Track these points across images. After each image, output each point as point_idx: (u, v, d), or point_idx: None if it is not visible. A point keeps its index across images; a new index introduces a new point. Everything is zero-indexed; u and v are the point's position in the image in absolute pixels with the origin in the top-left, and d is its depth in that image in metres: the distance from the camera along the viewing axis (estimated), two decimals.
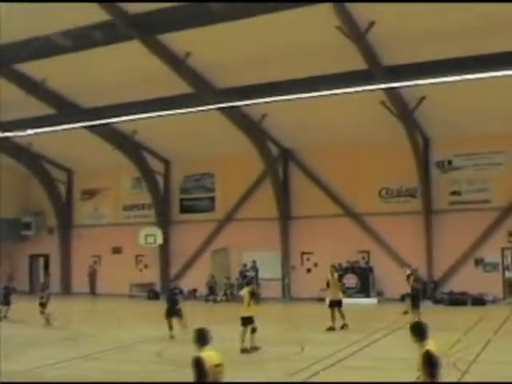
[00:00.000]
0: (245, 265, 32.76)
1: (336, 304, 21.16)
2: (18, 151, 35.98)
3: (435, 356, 7.28)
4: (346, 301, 27.20)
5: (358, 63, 23.00)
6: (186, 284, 32.64)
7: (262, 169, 32.56)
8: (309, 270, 31.82)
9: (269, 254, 32.39)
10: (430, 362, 7.27)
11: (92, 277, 37.50)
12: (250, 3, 21.20)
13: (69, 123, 28.33)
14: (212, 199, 35.07)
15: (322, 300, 28.02)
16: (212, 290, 32.73)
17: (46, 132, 28.77)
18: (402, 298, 26.01)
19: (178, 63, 24.69)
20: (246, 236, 32.73)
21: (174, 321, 19.65)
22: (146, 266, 36.08)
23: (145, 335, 20.10)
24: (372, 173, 30.46)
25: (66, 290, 38.25)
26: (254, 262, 32.21)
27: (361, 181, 30.76)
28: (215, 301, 31.46)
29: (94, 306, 33.68)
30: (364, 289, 29.90)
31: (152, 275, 35.07)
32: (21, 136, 30.52)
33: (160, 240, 34.37)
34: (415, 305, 21.54)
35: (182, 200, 35.90)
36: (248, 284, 18.62)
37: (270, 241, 32.49)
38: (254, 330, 17.07)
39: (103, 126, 29.64)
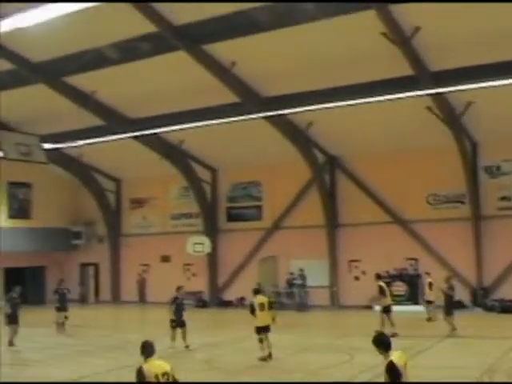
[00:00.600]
0: (292, 273, 32.68)
1: (385, 311, 21.35)
2: (68, 162, 36.72)
3: (397, 366, 7.47)
4: (394, 308, 27.28)
5: (404, 69, 22.83)
6: (233, 292, 33.33)
7: (308, 176, 32.45)
8: (357, 278, 31.56)
9: (316, 262, 32.29)
10: (392, 372, 7.45)
11: (141, 285, 37.85)
12: (293, 12, 21.18)
13: (117, 134, 29.16)
14: (259, 207, 35.11)
15: (369, 308, 28.20)
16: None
17: (96, 143, 29.79)
18: (429, 303, 25.88)
19: (223, 73, 24.81)
20: (293, 244, 32.66)
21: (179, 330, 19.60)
22: (194, 275, 36.26)
23: (194, 343, 20.13)
24: (420, 179, 30.13)
25: (116, 298, 38.71)
26: (302, 270, 32.08)
27: (408, 187, 30.46)
28: None
29: (143, 314, 34.01)
30: (412, 296, 29.59)
31: (200, 283, 35.23)
32: (71, 147, 31.59)
33: (208, 248, 34.44)
34: (449, 312, 21.34)
35: (229, 208, 36.01)
36: (257, 293, 17.97)
37: (318, 249, 32.36)
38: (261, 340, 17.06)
39: (151, 135, 29.99)
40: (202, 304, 34.10)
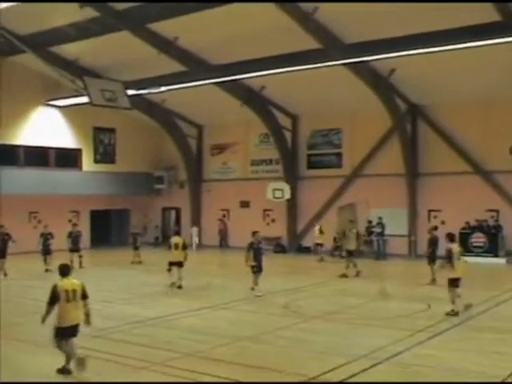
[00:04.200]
0: (370, 221, 32.68)
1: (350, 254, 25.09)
2: (151, 108, 37.04)
3: None
4: (473, 260, 27.27)
5: (491, 15, 22.04)
6: (312, 239, 33.19)
7: (389, 125, 32.00)
8: (435, 228, 31.26)
9: (395, 211, 32.21)
10: None
11: (223, 232, 38.33)
12: None
13: (199, 80, 29.31)
14: (339, 155, 35.00)
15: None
16: (338, 245, 32.68)
17: (178, 89, 29.92)
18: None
19: (305, 18, 24.41)
20: (372, 192, 32.46)
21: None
22: (273, 220, 36.56)
23: (273, 287, 20.52)
24: (503, 129, 29.34)
25: (199, 241, 38.99)
26: (380, 218, 32.03)
27: (491, 138, 29.78)
28: (341, 256, 31.21)
29: (223, 258, 34.65)
30: (492, 248, 29.21)
31: (279, 229, 35.51)
32: (154, 93, 31.81)
33: (287, 195, 34.59)
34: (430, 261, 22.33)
35: (309, 156, 35.98)
36: (176, 234, 23.11)
37: (397, 197, 32.22)
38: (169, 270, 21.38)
39: (232, 81, 30.07)
40: (280, 249, 34.42)
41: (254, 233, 20.20)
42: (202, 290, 20.84)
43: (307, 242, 34.77)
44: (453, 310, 15.90)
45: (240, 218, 37.41)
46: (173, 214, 42.01)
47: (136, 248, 29.58)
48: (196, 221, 39.48)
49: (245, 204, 37.95)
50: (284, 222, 36.09)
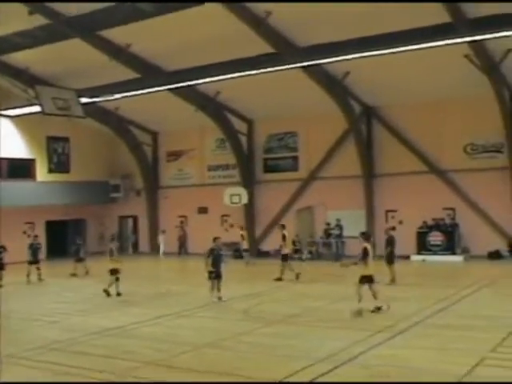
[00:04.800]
0: (328, 223, 32.90)
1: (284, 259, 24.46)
2: (105, 116, 36.79)
3: None
4: (431, 258, 27.68)
5: (442, 16, 22.30)
6: (271, 243, 33.34)
7: (345, 127, 32.21)
8: (393, 228, 31.39)
9: (353, 213, 32.31)
10: None
11: (182, 238, 37.97)
12: None
13: (153, 86, 28.73)
14: (295, 158, 35.05)
15: (407, 258, 28.47)
16: (297, 248, 32.76)
17: (132, 96, 29.33)
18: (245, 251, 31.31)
19: (258, 23, 24.53)
20: (330, 195, 32.75)
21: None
22: (231, 226, 36.48)
23: (234, 293, 20.41)
24: (457, 129, 29.87)
25: (155, 249, 38.89)
26: (338, 220, 32.20)
27: (445, 137, 30.25)
28: (301, 259, 31.48)
29: (182, 265, 34.36)
30: (450, 246, 29.58)
31: (237, 235, 35.06)
32: (108, 100, 31.39)
33: (245, 199, 34.70)
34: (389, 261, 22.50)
35: (265, 160, 35.96)
36: (112, 239, 23.18)
37: (355, 199, 32.43)
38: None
39: (186, 87, 29.75)
40: (239, 255, 34.07)
41: (215, 239, 20.04)
42: (161, 298, 20.66)
43: (266, 246, 34.81)
44: (377, 307, 16.32)
45: (198, 224, 37.28)
46: (130, 222, 41.67)
47: (80, 260, 28.78)
48: (157, 228, 39.26)
49: (203, 210, 37.85)
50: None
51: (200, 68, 28.47)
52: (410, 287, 21.15)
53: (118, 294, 20.77)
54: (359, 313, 16.03)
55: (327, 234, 32.85)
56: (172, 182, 39.31)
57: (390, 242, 22.83)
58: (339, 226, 32.24)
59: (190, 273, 28.68)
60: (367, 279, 16.50)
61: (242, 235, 31.40)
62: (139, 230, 40.72)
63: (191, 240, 37.50)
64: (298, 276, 23.85)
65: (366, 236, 17.49)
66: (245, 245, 31.50)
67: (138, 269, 30.11)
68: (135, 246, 41.10)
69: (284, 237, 24.55)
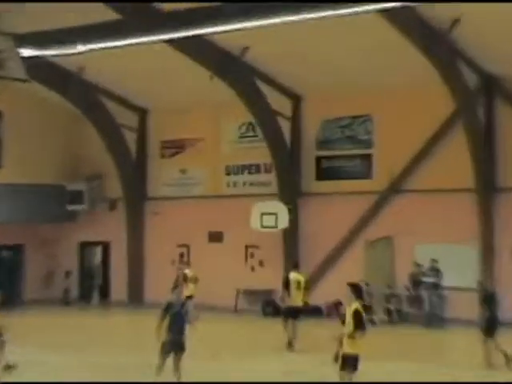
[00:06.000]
0: (419, 265, 25.60)
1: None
2: (63, 80, 28.63)
3: None
4: None
5: None
6: (323, 294, 26.62)
7: (449, 109, 24.68)
8: None
9: (457, 248, 25.01)
10: None
11: (179, 282, 29.75)
12: None
13: (142, 35, 22.42)
14: (368, 158, 27.31)
15: None
16: (366, 305, 23.37)
17: (107, 48, 22.97)
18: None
19: None
20: (421, 218, 25.43)
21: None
22: (261, 263, 28.55)
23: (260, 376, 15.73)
24: None
25: (136, 297, 30.64)
26: (435, 260, 24.96)
27: None
28: (371, 321, 23.08)
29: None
30: None
31: (270, 278, 27.20)
32: (68, 55, 23.76)
33: (284, 222, 27.05)
34: None
35: (319, 159, 28.20)
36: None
37: (462, 226, 24.93)
38: None
39: (195, 39, 22.85)
40: (272, 311, 26.39)
41: (175, 287, 17.88)
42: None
43: (316, 298, 26.29)
44: None
45: (208, 258, 28.99)
46: (97, 252, 33.14)
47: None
48: (140, 261, 31.27)
49: (216, 236, 29.63)
50: (279, 266, 27.54)
51: (216, 8, 21.18)
52: None
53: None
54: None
55: (416, 282, 25.84)
56: (168, 191, 31.08)
57: (490, 300, 18.73)
58: (436, 270, 25.38)
59: (192, 339, 20.33)
60: (351, 361, 12.01)
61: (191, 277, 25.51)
62: (111, 264, 32.38)
63: (199, 284, 28.19)
64: (290, 343, 20.22)
65: (357, 289, 13.14)
66: (190, 291, 24.77)
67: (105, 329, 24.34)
68: (103, 290, 32.76)
69: (288, 283, 21.05)
